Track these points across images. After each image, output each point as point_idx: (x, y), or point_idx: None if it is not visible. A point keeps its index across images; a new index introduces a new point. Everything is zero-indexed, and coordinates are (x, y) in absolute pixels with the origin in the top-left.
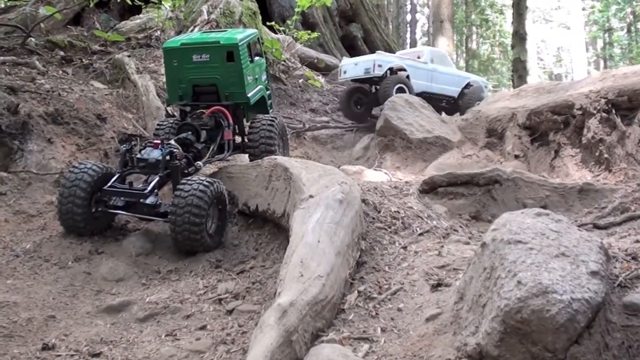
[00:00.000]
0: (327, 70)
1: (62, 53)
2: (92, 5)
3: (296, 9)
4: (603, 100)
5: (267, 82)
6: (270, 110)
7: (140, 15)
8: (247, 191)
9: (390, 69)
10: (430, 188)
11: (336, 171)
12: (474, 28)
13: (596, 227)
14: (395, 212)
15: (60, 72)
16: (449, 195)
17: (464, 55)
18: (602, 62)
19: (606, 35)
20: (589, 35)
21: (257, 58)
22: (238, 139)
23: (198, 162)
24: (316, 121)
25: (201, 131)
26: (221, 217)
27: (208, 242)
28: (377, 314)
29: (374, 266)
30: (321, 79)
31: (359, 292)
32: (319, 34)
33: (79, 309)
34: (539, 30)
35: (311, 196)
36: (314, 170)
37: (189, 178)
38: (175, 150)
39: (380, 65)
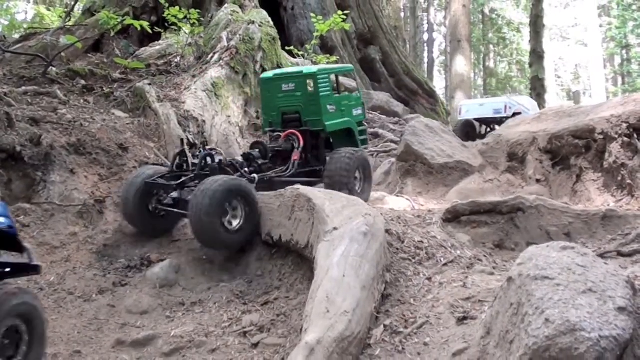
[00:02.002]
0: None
1: (83, 82)
2: (114, 32)
3: (315, 33)
4: (624, 125)
5: (360, 117)
6: (363, 147)
7: (160, 42)
8: (271, 221)
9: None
10: (453, 217)
11: (360, 202)
12: (491, 46)
13: (620, 254)
14: (419, 242)
15: (82, 101)
16: (472, 224)
17: (482, 73)
18: (620, 79)
19: (624, 51)
20: (607, 52)
21: (346, 93)
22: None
23: (254, 174)
24: None
25: (269, 150)
26: (248, 216)
27: (225, 237)
28: (403, 348)
29: (399, 299)
30: None
31: (384, 326)
32: (338, 57)
33: (104, 343)
34: (557, 48)
35: (335, 228)
36: (338, 201)
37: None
38: (213, 153)
39: (510, 108)
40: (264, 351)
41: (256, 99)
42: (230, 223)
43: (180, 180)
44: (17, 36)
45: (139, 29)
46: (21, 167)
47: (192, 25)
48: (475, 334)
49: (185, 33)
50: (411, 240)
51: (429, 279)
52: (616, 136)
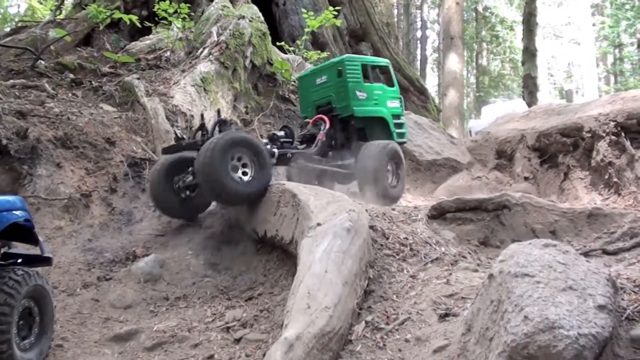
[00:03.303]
0: None
1: (71, 75)
2: (103, 26)
3: (306, 29)
4: (612, 123)
5: (397, 110)
6: (400, 140)
7: (150, 36)
8: (256, 216)
9: None
10: (438, 214)
11: (344, 198)
12: (484, 44)
13: (605, 252)
14: (403, 238)
15: (70, 94)
16: (457, 221)
17: (475, 71)
18: (612, 78)
19: (616, 50)
20: (600, 51)
21: (380, 84)
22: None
23: (274, 149)
24: None
25: (295, 132)
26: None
27: (234, 188)
28: (384, 345)
29: (382, 295)
30: None
31: (366, 322)
32: (329, 53)
33: (87, 337)
34: (550, 46)
35: (319, 224)
36: (322, 197)
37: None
38: (227, 121)
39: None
40: (246, 346)
41: (245, 94)
42: (239, 175)
43: (190, 142)
44: (8, 29)
45: (129, 23)
46: (7, 160)
47: (183, 19)
48: (456, 331)
49: (177, 27)
50: (396, 237)
51: (413, 275)
52: (604, 134)
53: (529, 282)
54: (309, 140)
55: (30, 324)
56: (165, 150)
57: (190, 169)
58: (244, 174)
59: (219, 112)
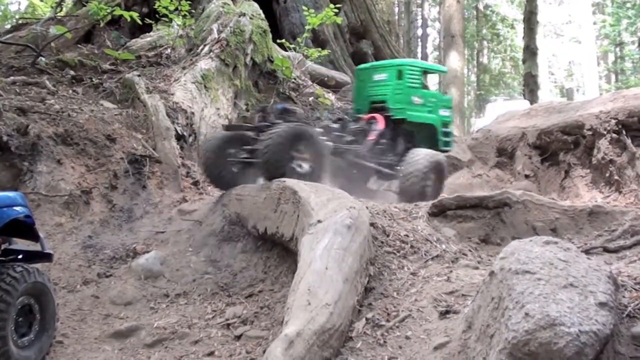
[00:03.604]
0: (337, 87)
1: (72, 72)
2: (103, 23)
3: (307, 27)
4: (613, 121)
5: (447, 119)
6: (446, 149)
7: (151, 33)
8: (257, 213)
9: None
10: (439, 211)
11: (345, 195)
12: (485, 42)
13: (606, 250)
14: (404, 235)
15: (71, 91)
16: (458, 218)
17: (475, 69)
18: (613, 77)
19: (617, 49)
20: (600, 49)
21: (436, 92)
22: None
23: (329, 142)
24: None
25: (347, 126)
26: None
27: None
28: (385, 342)
29: (383, 292)
30: (331, 97)
31: (367, 319)
32: (330, 51)
33: (87, 333)
34: (550, 45)
35: (319, 221)
36: (323, 194)
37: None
38: (291, 109)
39: None
40: (247, 343)
41: (246, 91)
42: (298, 164)
43: (254, 126)
44: (8, 26)
45: (129, 20)
46: (8, 156)
47: (183, 17)
48: (457, 328)
49: (178, 25)
50: (396, 234)
51: (413, 273)
52: (605, 132)
53: (530, 279)
54: (359, 135)
55: (30, 321)
56: (227, 128)
57: (246, 146)
58: (300, 166)
59: (286, 100)
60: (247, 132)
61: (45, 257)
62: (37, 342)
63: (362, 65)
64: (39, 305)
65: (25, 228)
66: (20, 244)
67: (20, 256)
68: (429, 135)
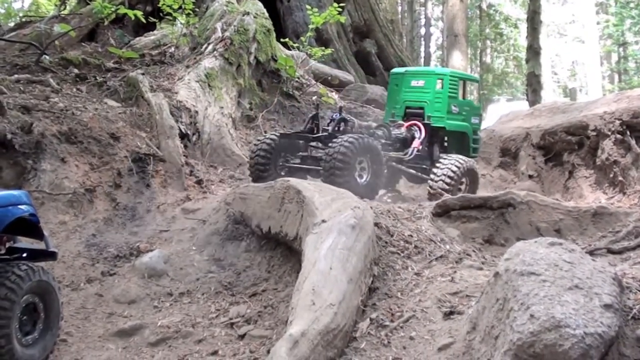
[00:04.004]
0: (340, 86)
1: (76, 70)
2: (108, 21)
3: (310, 26)
4: (617, 122)
5: (477, 127)
6: (473, 155)
7: (155, 32)
8: (261, 212)
9: None
10: (443, 211)
11: (349, 194)
12: (488, 42)
13: (610, 251)
14: (408, 235)
15: (74, 90)
16: (462, 219)
17: (478, 69)
18: (616, 76)
19: (621, 49)
20: (604, 49)
21: (471, 100)
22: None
23: None
24: None
25: (391, 133)
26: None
27: (357, 190)
28: (389, 342)
29: (387, 292)
30: (335, 96)
31: (371, 319)
32: (333, 50)
33: (91, 332)
34: (554, 44)
35: (324, 221)
36: (327, 194)
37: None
38: (347, 118)
39: None
40: (250, 342)
41: (249, 90)
42: (358, 174)
43: (316, 136)
44: (12, 24)
45: (133, 18)
46: (12, 154)
47: (187, 15)
48: (461, 329)
49: (181, 23)
50: (400, 234)
51: (417, 273)
52: (609, 133)
53: (535, 280)
54: (401, 142)
55: (34, 319)
56: (282, 135)
57: (299, 153)
58: (361, 176)
59: (340, 109)
60: (299, 140)
61: (50, 255)
62: (41, 340)
63: (397, 70)
64: (44, 303)
65: (30, 226)
66: (24, 242)
67: (24, 254)
68: (461, 141)
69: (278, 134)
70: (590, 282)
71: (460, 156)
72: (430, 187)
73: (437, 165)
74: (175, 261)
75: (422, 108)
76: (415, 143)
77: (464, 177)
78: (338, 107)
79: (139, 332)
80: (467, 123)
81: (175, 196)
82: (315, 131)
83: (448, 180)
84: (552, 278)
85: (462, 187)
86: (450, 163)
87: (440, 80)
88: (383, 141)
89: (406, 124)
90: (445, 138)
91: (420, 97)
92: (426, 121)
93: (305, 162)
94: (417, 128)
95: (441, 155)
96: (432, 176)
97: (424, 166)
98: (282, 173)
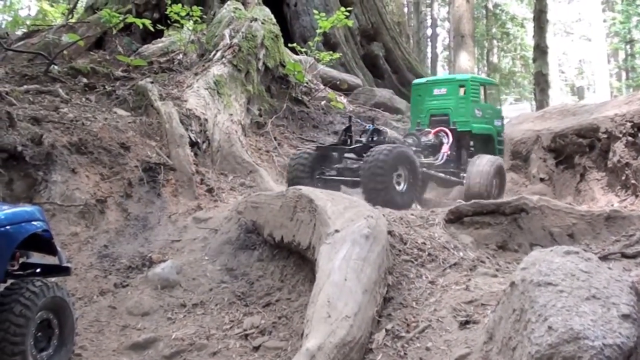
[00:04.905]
0: (349, 90)
1: (85, 80)
2: (116, 30)
3: (318, 30)
4: (629, 124)
5: (500, 129)
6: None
7: (163, 39)
8: (273, 221)
9: None
10: (456, 218)
11: (362, 203)
12: (495, 41)
13: (624, 256)
14: (421, 243)
15: (84, 99)
16: (475, 225)
17: (486, 69)
18: (624, 74)
19: (628, 46)
20: (611, 47)
21: (491, 104)
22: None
23: None
24: None
25: (420, 141)
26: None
27: (396, 196)
28: (405, 354)
29: (402, 302)
30: (343, 100)
31: (386, 330)
32: (341, 54)
33: (105, 345)
34: (560, 43)
35: (337, 231)
36: (340, 203)
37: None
38: (381, 129)
39: None
40: (265, 354)
41: (258, 96)
42: (395, 183)
43: (351, 147)
44: (20, 33)
45: (141, 27)
46: (22, 166)
47: (195, 22)
48: (477, 339)
49: (189, 29)
50: (414, 242)
51: (432, 281)
52: (620, 135)
53: (552, 291)
54: (430, 148)
55: (49, 335)
56: (318, 148)
57: (335, 165)
58: (399, 183)
59: (373, 121)
60: (334, 152)
61: (63, 270)
62: (56, 356)
63: (418, 81)
64: (58, 319)
65: (43, 242)
66: (37, 257)
67: (38, 270)
68: (487, 144)
69: (314, 148)
70: (608, 292)
71: (489, 156)
72: (468, 187)
73: (470, 166)
74: (187, 271)
75: (446, 115)
76: (445, 148)
77: (495, 176)
78: (370, 119)
79: (153, 345)
80: (491, 125)
81: (186, 205)
82: (348, 142)
83: (483, 181)
84: (569, 288)
85: (494, 187)
86: (482, 164)
87: (462, 87)
88: (414, 149)
89: (433, 131)
90: (471, 142)
91: (444, 104)
92: (452, 127)
93: (342, 174)
94: (444, 134)
95: (469, 159)
96: (467, 178)
97: (453, 170)
98: (319, 185)
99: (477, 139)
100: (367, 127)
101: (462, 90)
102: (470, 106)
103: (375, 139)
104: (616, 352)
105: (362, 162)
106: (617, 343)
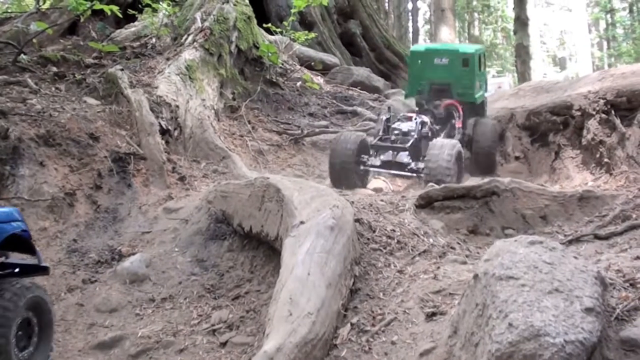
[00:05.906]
0: (325, 70)
1: (54, 69)
2: (84, 17)
3: (293, 9)
4: (602, 101)
5: (486, 93)
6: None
7: (136, 23)
8: (242, 211)
9: None
10: (426, 203)
11: (329, 192)
12: (475, 14)
13: (597, 237)
14: (390, 230)
15: (53, 89)
16: (445, 210)
17: (467, 41)
18: (605, 43)
19: (608, 16)
20: (591, 16)
21: (483, 71)
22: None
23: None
24: (315, 126)
25: (435, 116)
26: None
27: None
28: (370, 348)
29: (368, 293)
30: (320, 80)
31: (352, 324)
32: (317, 33)
33: (71, 345)
34: (541, 14)
35: (302, 222)
36: (307, 192)
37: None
38: (426, 120)
39: None
40: (232, 350)
41: (232, 80)
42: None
43: (410, 144)
44: None
45: (110, 13)
46: None
47: (168, 5)
48: (443, 332)
49: (164, 10)
50: (383, 229)
51: (400, 270)
52: (594, 112)
53: (514, 285)
54: (440, 122)
55: (29, 334)
56: (363, 142)
57: (376, 153)
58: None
59: (421, 120)
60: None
61: (42, 270)
62: (36, 354)
63: (417, 48)
64: (37, 318)
65: (22, 242)
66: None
67: (16, 270)
68: (482, 108)
69: (358, 141)
70: (571, 284)
71: (489, 119)
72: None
73: (431, 150)
74: (157, 264)
75: (448, 84)
76: (458, 123)
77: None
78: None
79: (119, 344)
80: (483, 92)
81: (157, 195)
82: (388, 132)
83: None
84: (532, 282)
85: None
86: (443, 148)
87: (465, 59)
88: (435, 129)
89: (443, 105)
90: (471, 107)
91: (445, 75)
92: (459, 98)
93: (391, 167)
94: (454, 107)
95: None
96: (427, 162)
97: (458, 135)
98: (361, 173)
99: (476, 106)
100: (400, 116)
101: (466, 63)
102: (473, 78)
103: (422, 130)
104: (578, 348)
105: (421, 163)
106: (579, 339)
